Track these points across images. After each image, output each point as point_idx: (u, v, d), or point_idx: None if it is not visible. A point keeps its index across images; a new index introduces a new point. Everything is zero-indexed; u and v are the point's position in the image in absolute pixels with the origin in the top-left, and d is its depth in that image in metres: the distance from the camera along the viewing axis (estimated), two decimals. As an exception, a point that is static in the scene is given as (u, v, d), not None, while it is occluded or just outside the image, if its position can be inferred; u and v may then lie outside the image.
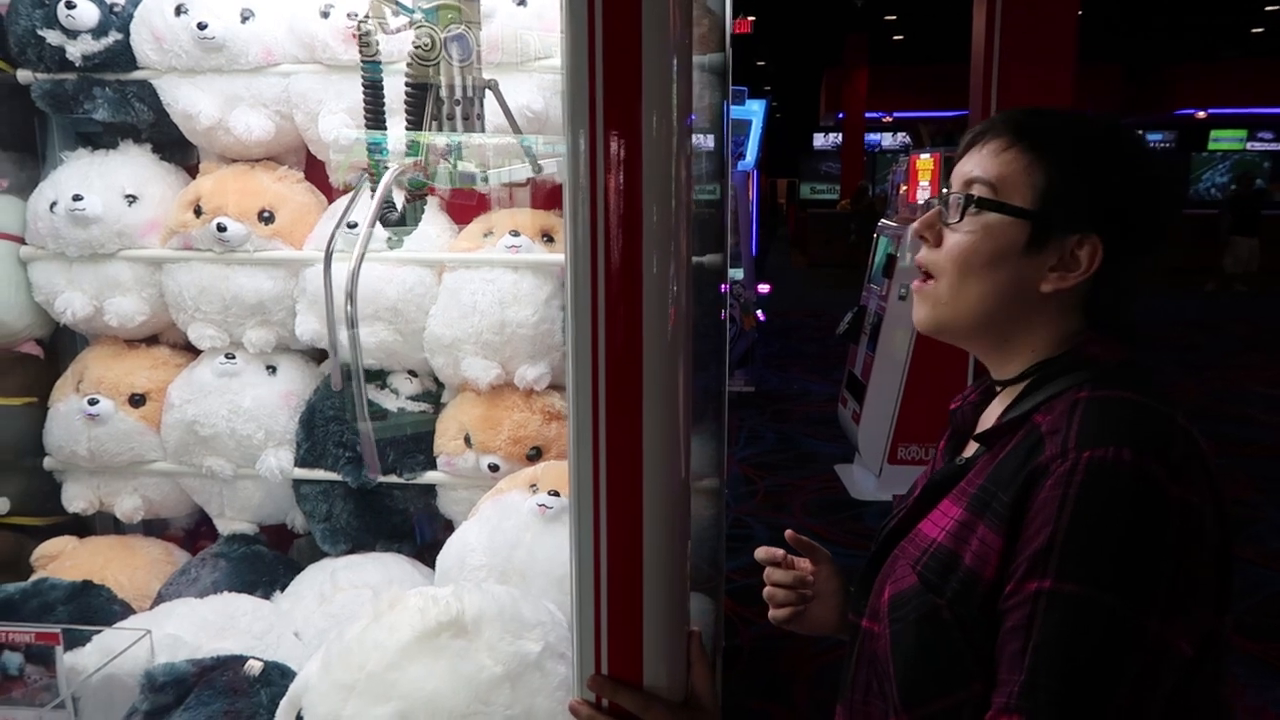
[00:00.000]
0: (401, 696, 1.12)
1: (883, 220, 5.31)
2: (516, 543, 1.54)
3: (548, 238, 1.90)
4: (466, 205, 2.03)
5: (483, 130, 1.47)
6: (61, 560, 1.96)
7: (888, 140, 20.09)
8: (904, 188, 5.14)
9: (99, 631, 1.64)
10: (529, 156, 1.54)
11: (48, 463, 2.03)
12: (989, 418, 0.96)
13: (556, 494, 1.59)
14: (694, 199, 0.91)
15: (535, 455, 1.85)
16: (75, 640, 1.62)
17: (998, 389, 0.96)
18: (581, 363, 0.87)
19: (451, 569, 1.58)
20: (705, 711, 0.90)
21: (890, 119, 18.77)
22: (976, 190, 0.90)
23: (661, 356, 0.87)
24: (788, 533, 1.10)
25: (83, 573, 1.87)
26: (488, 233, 1.90)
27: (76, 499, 2.03)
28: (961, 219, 0.90)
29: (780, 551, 1.10)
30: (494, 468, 1.84)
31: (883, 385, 4.44)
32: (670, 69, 0.85)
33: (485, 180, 1.45)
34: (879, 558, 0.94)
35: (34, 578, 1.85)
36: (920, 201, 4.89)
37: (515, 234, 1.86)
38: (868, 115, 17.01)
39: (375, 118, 1.53)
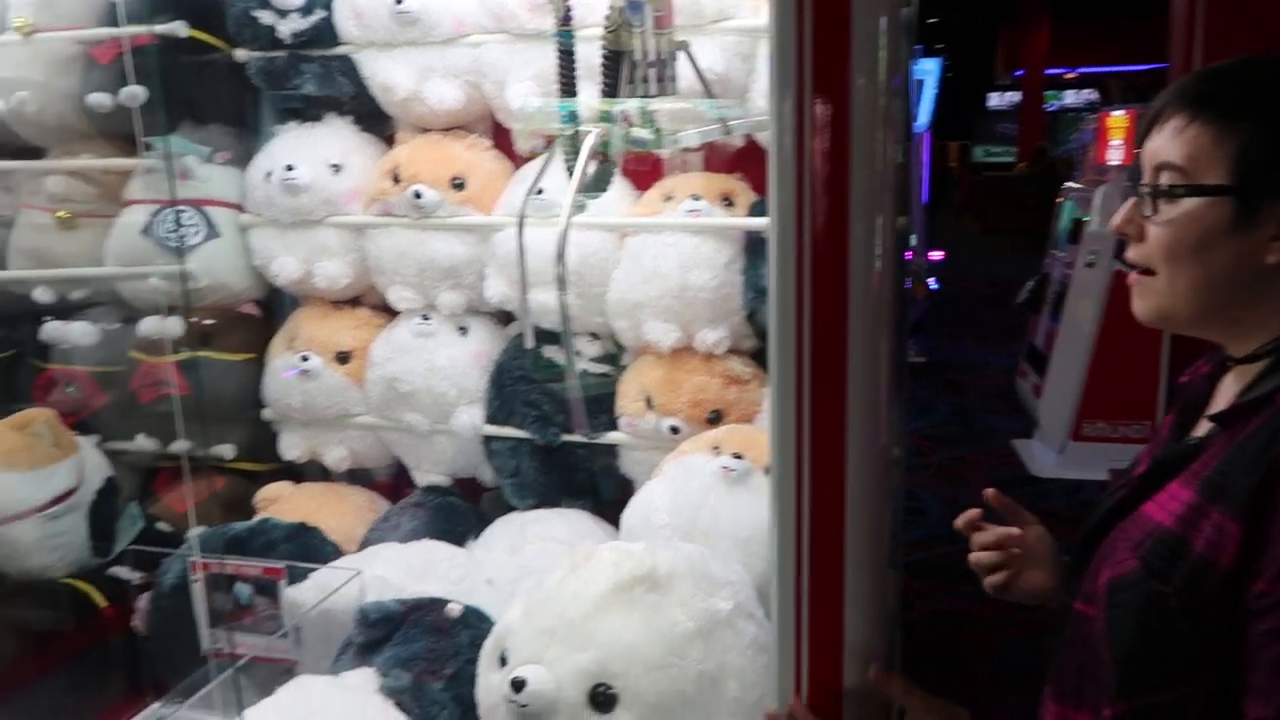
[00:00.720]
0: (599, 645, 1.17)
1: (1068, 183, 5.01)
2: (700, 504, 1.56)
3: (727, 202, 1.90)
4: (644, 170, 2.05)
5: (674, 93, 1.49)
6: (279, 504, 2.13)
7: (1070, 98, 18.87)
8: (1093, 147, 4.84)
9: (315, 569, 1.79)
10: (719, 119, 1.54)
11: (265, 414, 2.21)
12: (1223, 395, 0.89)
13: (740, 457, 1.60)
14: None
15: (715, 418, 1.87)
16: (295, 576, 1.77)
17: (1229, 364, 0.89)
18: (785, 327, 0.87)
19: (636, 527, 1.63)
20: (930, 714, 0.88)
21: (1074, 75, 17.60)
22: (1165, 178, 0.82)
23: (867, 321, 0.86)
24: (988, 492, 1.06)
25: (298, 515, 2.03)
26: (668, 197, 1.92)
27: (291, 448, 2.20)
28: (1157, 211, 0.83)
29: (978, 512, 1.06)
30: (674, 430, 1.87)
31: (1067, 358, 4.22)
32: (878, 29, 0.84)
33: (677, 144, 1.46)
34: (1094, 537, 0.90)
35: (257, 518, 2.02)
36: (1112, 162, 4.59)
37: (696, 198, 1.87)
38: (1048, 72, 16.01)
39: (568, 84, 1.57)
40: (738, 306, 1.87)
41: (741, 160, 1.99)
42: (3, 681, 1.78)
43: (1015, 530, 1.01)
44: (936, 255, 6.74)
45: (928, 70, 6.95)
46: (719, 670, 1.17)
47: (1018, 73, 17.04)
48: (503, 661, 1.22)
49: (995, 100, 20.92)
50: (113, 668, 1.89)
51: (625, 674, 1.16)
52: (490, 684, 1.24)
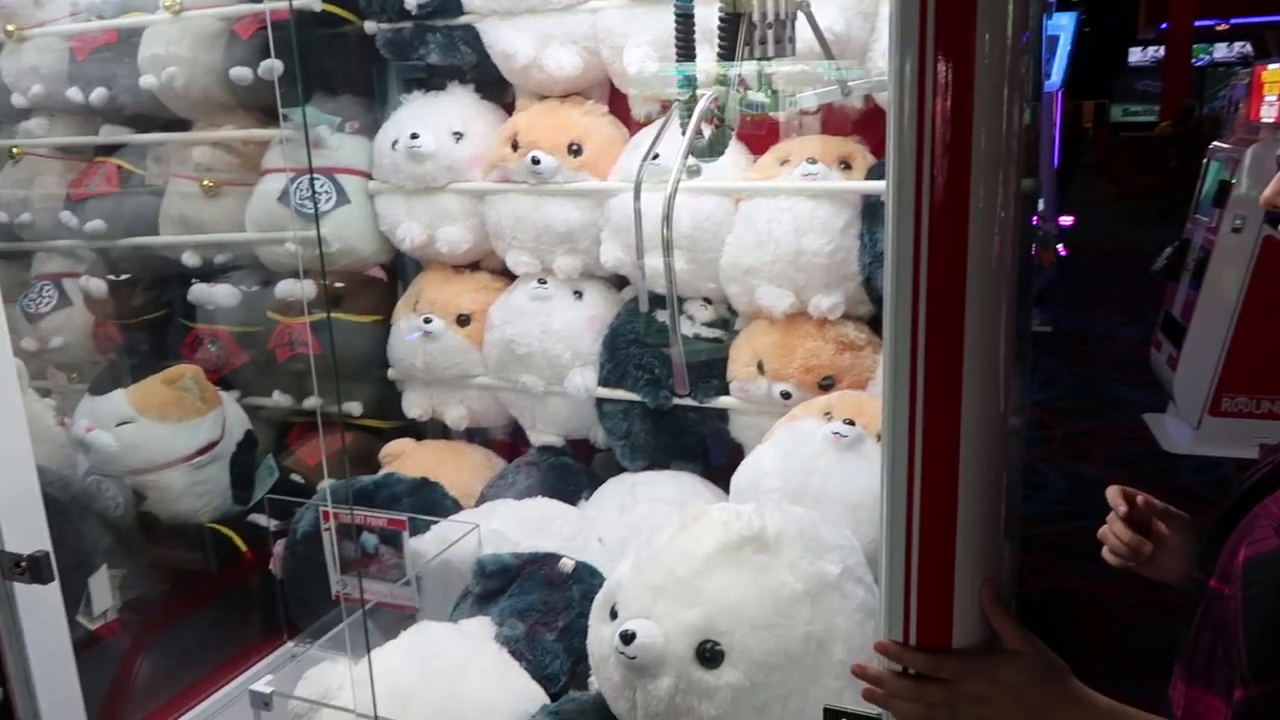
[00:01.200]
0: (707, 603, 1.19)
1: (1215, 143, 4.70)
2: (810, 469, 1.56)
3: (845, 165, 1.87)
4: (760, 134, 2.04)
5: (793, 55, 1.47)
6: (403, 459, 2.23)
7: (1221, 51, 17.61)
8: (1244, 104, 4.52)
9: (436, 522, 1.87)
10: (838, 81, 1.51)
11: (390, 373, 2.31)
12: None
13: (852, 423, 1.59)
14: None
15: (828, 384, 1.86)
16: (417, 528, 1.86)
17: None
18: (901, 292, 0.86)
19: (745, 490, 1.64)
20: (1018, 656, 0.87)
21: (1225, 27, 16.41)
22: None
23: (986, 288, 0.84)
24: (1140, 497, 1.03)
25: (420, 471, 2.12)
26: (784, 160, 1.90)
27: (414, 406, 2.30)
28: None
29: (1124, 507, 1.03)
30: (786, 395, 1.87)
31: (1207, 328, 3.99)
32: (1006, -18, 0.81)
33: (793, 106, 1.44)
34: (1234, 515, 0.86)
35: (382, 472, 2.12)
36: (1265, 120, 4.28)
37: (812, 162, 1.85)
38: (1198, 24, 14.96)
39: (685, 48, 1.56)
40: (854, 272, 1.84)
41: (861, 123, 1.95)
42: (155, 616, 1.93)
43: (1147, 546, 1.00)
44: (1066, 220, 6.45)
45: (1062, 26, 6.61)
46: (826, 633, 1.18)
47: (1162, 26, 15.98)
48: (613, 615, 1.26)
49: (1136, 56, 19.69)
50: (251, 608, 2.03)
51: (732, 631, 1.18)
52: (601, 636, 1.28)
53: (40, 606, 1.47)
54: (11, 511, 1.45)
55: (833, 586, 1.23)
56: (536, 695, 1.39)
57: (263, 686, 1.29)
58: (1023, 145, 0.86)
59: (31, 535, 1.46)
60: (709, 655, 1.17)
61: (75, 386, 2.26)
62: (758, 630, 1.17)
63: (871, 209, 1.82)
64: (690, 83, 1.60)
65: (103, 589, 1.76)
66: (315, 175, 2.20)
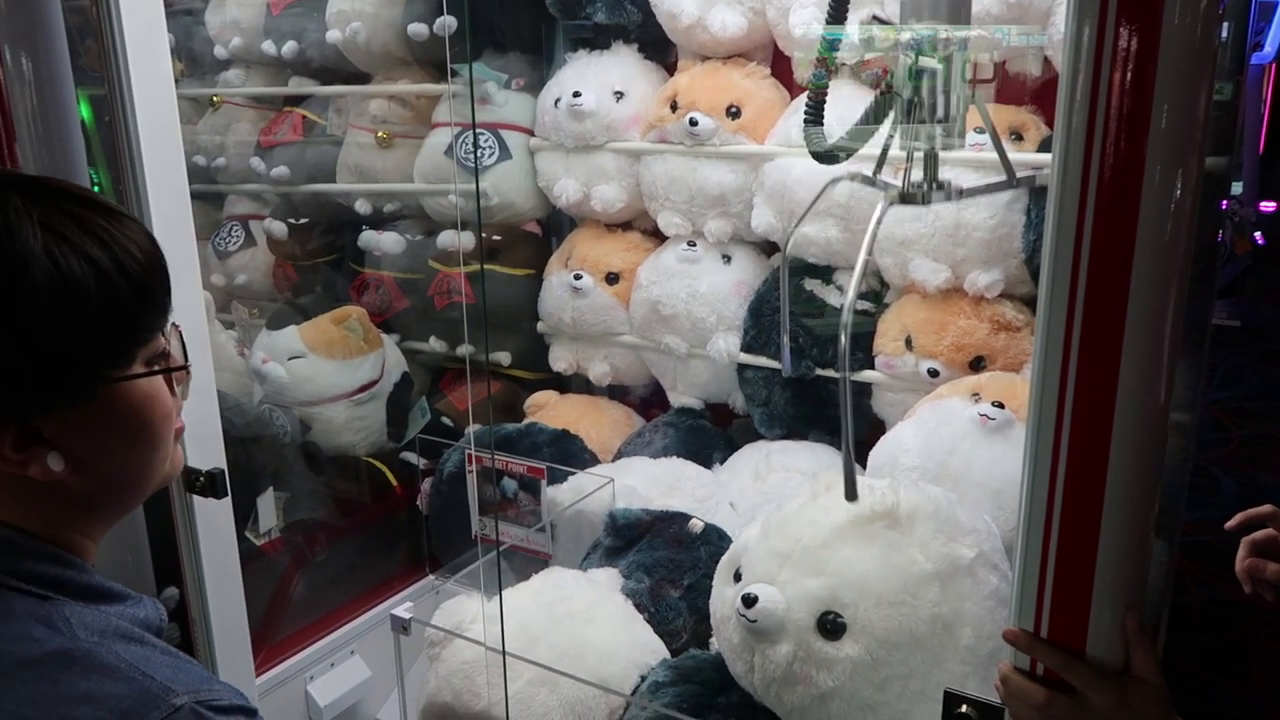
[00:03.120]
0: (833, 574, 1.18)
1: None
2: (953, 449, 1.51)
3: (1016, 135, 1.78)
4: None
5: (968, 21, 1.40)
6: (546, 410, 2.30)
7: None
8: None
9: (573, 473, 1.92)
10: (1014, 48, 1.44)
11: (540, 327, 2.38)
12: None
13: (1001, 405, 1.53)
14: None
15: (978, 364, 1.79)
16: (555, 477, 1.92)
17: None
18: (1060, 271, 0.82)
19: (883, 465, 1.61)
20: (1147, 686, 0.83)
21: None
22: None
23: (1154, 274, 0.78)
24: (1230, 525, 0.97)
25: (561, 422, 2.18)
26: (950, 130, 1.83)
27: (559, 360, 2.36)
28: None
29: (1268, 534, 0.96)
30: (933, 373, 1.81)
31: None
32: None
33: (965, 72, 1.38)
34: None
35: (526, 421, 2.20)
36: None
37: (979, 131, 1.76)
38: None
39: (838, 10, 1.52)
40: (1016, 249, 1.76)
41: (1038, 92, 1.85)
42: (313, 539, 2.07)
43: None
44: (1268, 207, 5.92)
45: (1282, -9, 6.01)
46: (954, 616, 1.15)
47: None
48: (736, 578, 1.27)
49: (1369, 28, 17.67)
50: (399, 540, 2.15)
51: (856, 605, 1.16)
52: (723, 597, 1.29)
53: (214, 519, 1.61)
54: (194, 431, 1.58)
55: (965, 570, 1.20)
56: (658, 648, 1.42)
57: (403, 613, 1.37)
58: (1209, 124, 0.80)
59: (210, 454, 1.59)
60: (830, 627, 1.16)
61: (256, 321, 2.43)
62: (882, 606, 1.16)
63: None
64: (865, 45, 1.56)
65: (269, 509, 1.91)
66: (480, 130, 2.27)
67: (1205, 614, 2.73)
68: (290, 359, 2.11)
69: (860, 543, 1.20)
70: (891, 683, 1.12)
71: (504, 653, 1.27)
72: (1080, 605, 0.83)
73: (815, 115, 1.41)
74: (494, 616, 1.38)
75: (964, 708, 0.92)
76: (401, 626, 1.36)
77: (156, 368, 0.82)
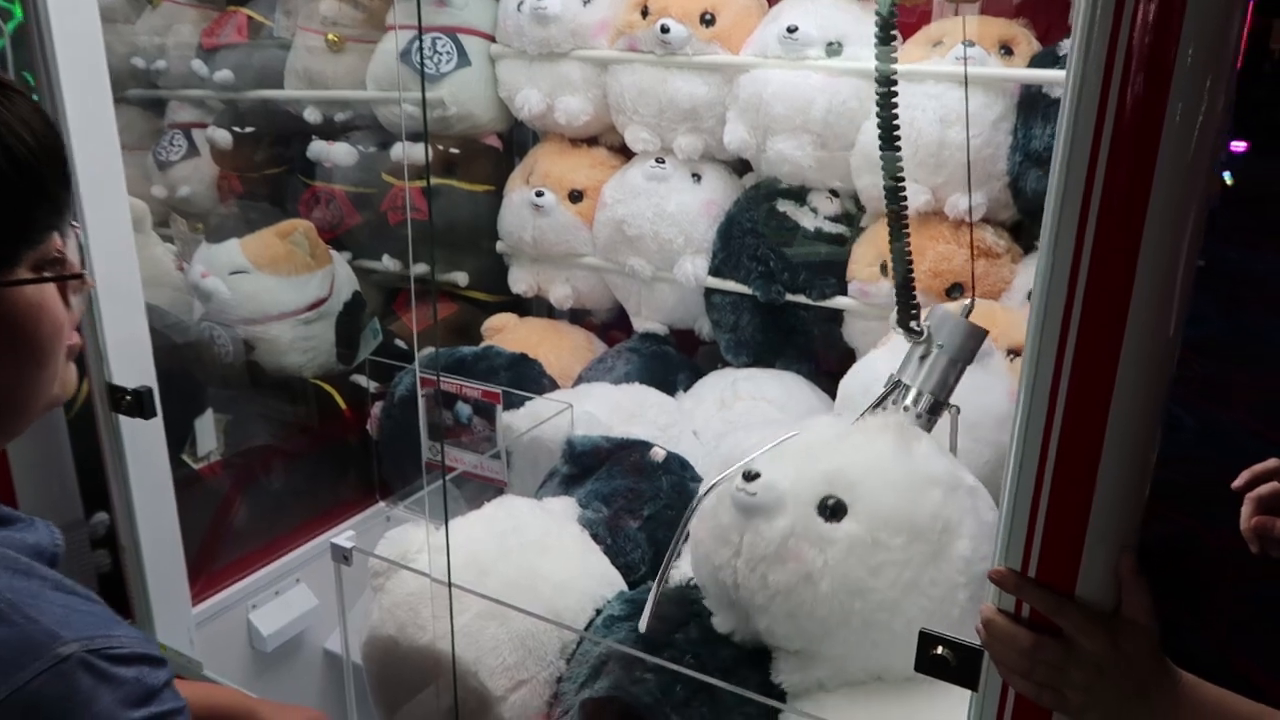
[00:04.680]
0: (839, 460, 1.10)
1: None
2: (928, 378, 1.44)
3: (1006, 50, 1.68)
4: (910, 10, 1.85)
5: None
6: (504, 333, 2.20)
7: None
8: None
9: (531, 398, 1.84)
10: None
11: (499, 246, 2.27)
12: None
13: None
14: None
15: (955, 292, 1.72)
16: (511, 403, 1.83)
17: None
18: (1071, 190, 0.72)
19: (855, 395, 1.54)
20: (1139, 629, 0.76)
21: None
22: None
23: (1174, 194, 0.70)
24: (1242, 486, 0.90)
25: (520, 346, 2.08)
26: (937, 42, 1.72)
27: (519, 281, 2.25)
28: None
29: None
30: (908, 300, 1.74)
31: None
32: None
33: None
34: None
35: (483, 344, 2.10)
36: None
37: (970, 44, 1.66)
38: None
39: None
40: (1001, 171, 1.67)
41: (1029, 3, 1.74)
42: (255, 464, 1.98)
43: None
44: (1239, 146, 5.88)
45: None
46: (955, 523, 1.07)
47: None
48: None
49: (1346, -29, 17.57)
50: (347, 466, 2.06)
51: (862, 484, 1.09)
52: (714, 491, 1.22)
53: (144, 441, 1.51)
54: (120, 348, 1.47)
55: (967, 490, 1.13)
56: (614, 580, 1.36)
57: (344, 541, 1.29)
58: (1239, 44, 0.70)
59: (137, 371, 1.49)
60: (831, 509, 1.08)
61: (197, 235, 2.30)
62: (888, 490, 1.08)
63: (1030, 101, 1.64)
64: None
65: (208, 432, 1.81)
66: (436, 34, 2.13)
67: (1161, 551, 2.73)
68: (231, 274, 1.98)
69: (870, 435, 1.13)
70: (886, 569, 1.05)
71: (449, 584, 1.20)
72: (1073, 544, 0.76)
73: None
74: (441, 546, 1.30)
75: (940, 649, 0.86)
76: (343, 556, 1.28)
77: (47, 274, 0.71)
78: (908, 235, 1.23)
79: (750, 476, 1.10)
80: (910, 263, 1.24)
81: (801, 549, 1.07)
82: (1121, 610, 0.77)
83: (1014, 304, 1.67)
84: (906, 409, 1.20)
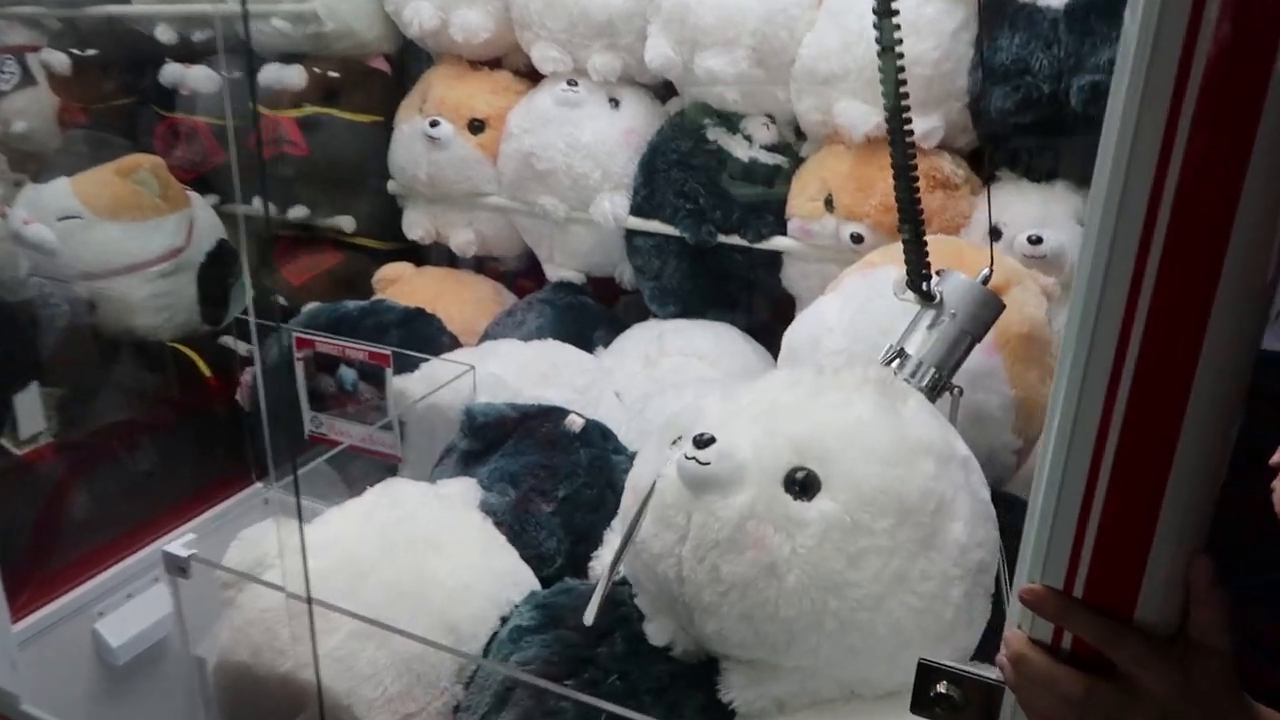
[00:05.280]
0: (812, 422, 0.89)
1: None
2: (888, 329, 1.23)
3: (965, -52, 1.46)
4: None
5: None
6: (399, 285, 1.94)
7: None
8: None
9: (426, 360, 1.58)
10: None
11: (390, 186, 1.99)
12: None
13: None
14: None
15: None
16: (405, 365, 1.58)
17: None
18: (1152, 102, 0.50)
19: (801, 349, 1.32)
20: (1214, 656, 0.57)
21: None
22: None
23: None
24: None
25: (416, 300, 1.82)
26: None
27: (415, 226, 1.98)
28: None
29: None
30: (857, 238, 1.53)
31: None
32: None
33: None
34: None
35: (373, 299, 1.83)
36: None
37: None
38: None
39: None
40: (960, 89, 1.47)
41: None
42: (100, 445, 1.68)
43: None
44: None
45: None
46: (949, 501, 0.87)
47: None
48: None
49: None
50: (216, 442, 1.78)
51: (839, 452, 0.87)
52: (648, 459, 0.99)
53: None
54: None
55: (960, 462, 0.93)
56: (524, 579, 1.13)
57: (179, 549, 1.02)
58: None
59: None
60: (802, 484, 0.86)
61: (21, 176, 1.96)
62: (872, 462, 0.86)
63: (996, 7, 1.43)
64: None
65: (32, 410, 1.51)
66: (307, -66, 1.82)
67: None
68: (61, 220, 1.67)
69: (849, 395, 0.92)
70: (868, 557, 0.84)
71: (309, 599, 0.95)
72: (1136, 552, 0.55)
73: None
74: (306, 547, 1.05)
75: (944, 686, 0.65)
76: (179, 568, 1.02)
77: None
78: (915, 172, 1.01)
79: (702, 442, 0.88)
80: (920, 208, 1.02)
81: (764, 533, 0.85)
82: (1188, 630, 0.57)
83: (979, 239, 1.47)
84: (907, 382, 0.99)
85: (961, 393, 1.08)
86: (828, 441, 0.88)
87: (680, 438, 0.95)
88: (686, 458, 0.88)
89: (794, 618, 0.84)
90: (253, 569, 1.03)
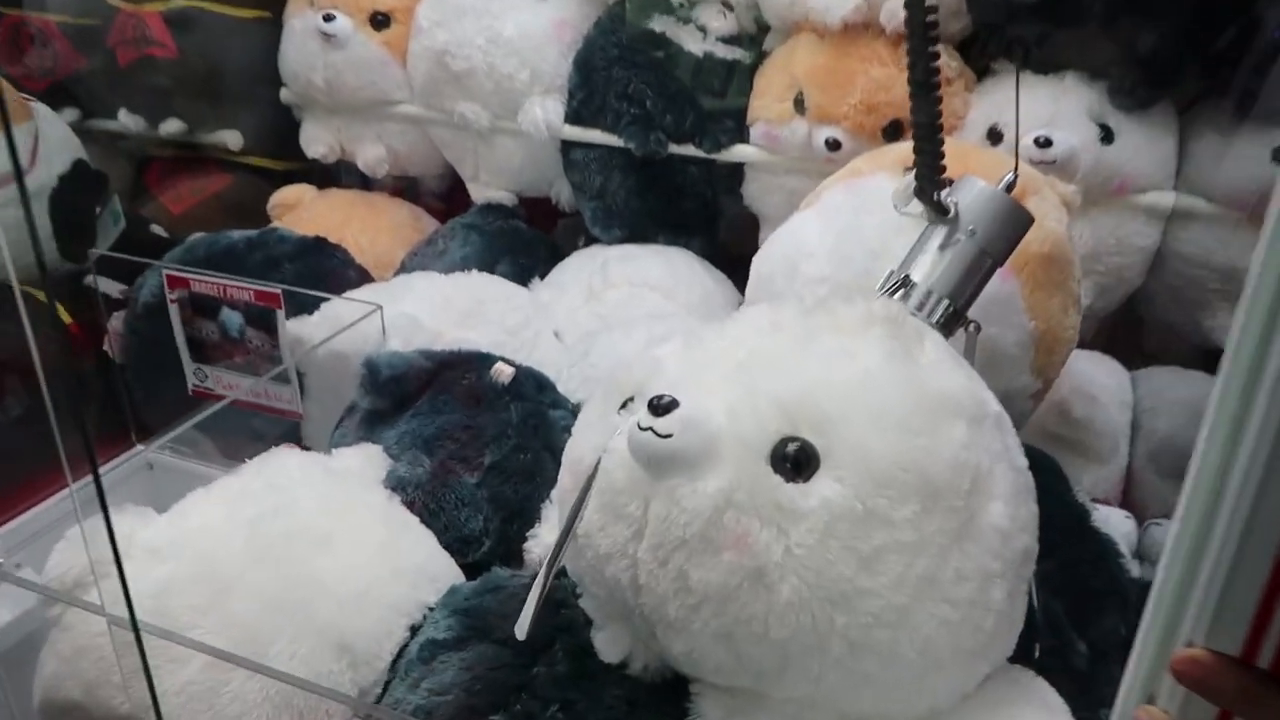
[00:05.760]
0: (804, 377, 0.66)
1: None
2: (880, 250, 1.01)
3: None
4: None
5: None
6: (298, 211, 1.67)
7: None
8: None
9: (327, 299, 1.33)
10: None
11: (283, 95, 1.70)
12: None
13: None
14: None
15: (893, 131, 1.29)
16: (305, 306, 1.33)
17: None
18: None
19: (773, 275, 1.10)
20: None
21: None
22: None
23: None
24: None
25: (320, 228, 1.56)
26: None
27: (315, 141, 1.70)
28: None
29: None
30: (833, 144, 1.30)
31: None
32: None
33: None
34: None
35: (265, 228, 1.56)
36: None
37: None
38: None
39: None
40: (954, -40, 1.24)
41: None
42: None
43: None
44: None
45: None
46: (985, 474, 0.65)
47: None
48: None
49: None
50: (84, 398, 1.51)
51: (846, 420, 0.64)
52: (589, 425, 0.76)
53: None
54: None
55: (994, 421, 0.71)
56: (441, 572, 0.90)
57: (-21, 556, 0.79)
58: None
59: None
60: (795, 460, 0.64)
61: None
62: (885, 427, 0.64)
63: None
64: None
65: None
66: None
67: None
68: None
69: (850, 340, 0.69)
70: (887, 557, 0.62)
71: (134, 627, 0.72)
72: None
73: None
74: (159, 549, 0.82)
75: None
76: (-23, 579, 0.78)
77: None
78: (936, 58, 0.78)
79: (661, 407, 0.65)
80: (939, 101, 0.80)
81: (747, 528, 0.63)
82: None
83: (978, 140, 1.26)
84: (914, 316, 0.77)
85: (979, 329, 0.87)
86: (827, 403, 0.66)
87: (632, 399, 0.72)
88: (641, 428, 0.65)
89: (788, 638, 0.63)
90: (80, 580, 0.79)
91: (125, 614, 0.71)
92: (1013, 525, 0.67)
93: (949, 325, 0.84)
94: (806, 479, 0.64)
